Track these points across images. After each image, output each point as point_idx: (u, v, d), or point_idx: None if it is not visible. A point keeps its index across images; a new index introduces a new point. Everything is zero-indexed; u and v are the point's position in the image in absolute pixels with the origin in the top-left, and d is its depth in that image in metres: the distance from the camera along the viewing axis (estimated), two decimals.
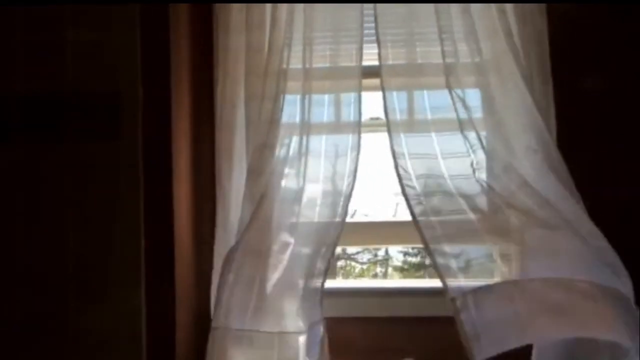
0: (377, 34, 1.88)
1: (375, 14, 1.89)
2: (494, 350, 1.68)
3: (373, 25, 1.92)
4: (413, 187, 1.84)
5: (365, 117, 2.16)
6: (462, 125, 1.82)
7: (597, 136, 1.91)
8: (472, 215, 1.81)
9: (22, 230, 1.84)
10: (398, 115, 1.88)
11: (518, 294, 1.72)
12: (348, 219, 1.95)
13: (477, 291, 1.74)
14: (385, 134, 2.14)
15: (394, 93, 1.88)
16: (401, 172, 1.84)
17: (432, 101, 1.89)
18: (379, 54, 1.88)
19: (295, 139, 1.90)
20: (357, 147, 1.90)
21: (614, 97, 1.91)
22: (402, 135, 1.86)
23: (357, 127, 1.90)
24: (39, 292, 1.82)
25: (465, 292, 1.74)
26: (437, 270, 1.78)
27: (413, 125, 1.89)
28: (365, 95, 1.93)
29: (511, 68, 1.83)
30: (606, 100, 1.91)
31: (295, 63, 1.90)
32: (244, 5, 1.93)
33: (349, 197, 1.87)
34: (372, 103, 2.09)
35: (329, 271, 1.88)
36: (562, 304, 1.69)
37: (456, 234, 1.80)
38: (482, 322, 1.71)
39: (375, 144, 2.24)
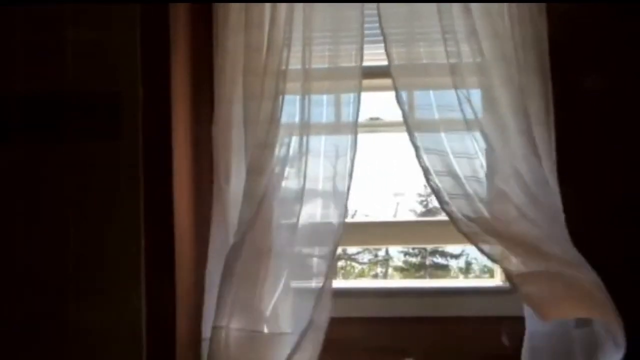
0: (383, 34, 1.87)
1: (379, 14, 1.88)
2: (570, 314, 1.75)
3: (371, 25, 1.92)
4: (436, 184, 1.84)
5: (365, 117, 2.16)
6: (468, 125, 1.83)
7: (597, 136, 1.91)
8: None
9: (22, 230, 1.84)
10: (416, 113, 1.88)
11: (566, 277, 1.75)
12: (349, 220, 1.94)
13: (532, 272, 1.77)
14: (385, 134, 2.16)
15: (403, 92, 1.87)
16: (424, 165, 1.84)
17: (442, 100, 1.88)
18: (388, 53, 1.87)
19: (295, 139, 1.89)
20: (354, 148, 1.89)
21: (614, 97, 1.91)
22: (416, 133, 1.86)
23: (354, 127, 1.89)
24: (39, 292, 1.82)
25: (522, 271, 1.76)
26: (489, 257, 1.81)
27: (432, 124, 1.89)
28: (364, 95, 1.92)
29: (510, 69, 1.83)
30: (606, 100, 1.91)
31: (295, 63, 1.89)
32: (243, 4, 1.93)
33: (348, 197, 1.87)
34: (371, 103, 2.09)
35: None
36: (591, 290, 1.73)
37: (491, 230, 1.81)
38: (548, 291, 1.74)
39: (375, 144, 2.25)
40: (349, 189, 1.87)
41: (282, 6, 1.90)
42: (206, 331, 1.85)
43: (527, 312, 1.82)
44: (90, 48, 1.86)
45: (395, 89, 1.86)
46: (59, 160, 1.85)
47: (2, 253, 1.84)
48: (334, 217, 1.88)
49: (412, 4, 1.90)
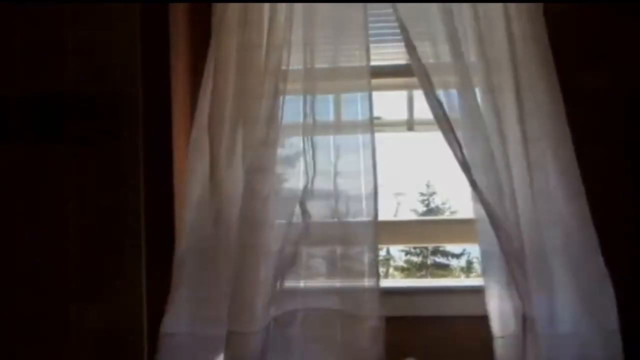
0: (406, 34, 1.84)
1: (398, 15, 1.85)
2: None
3: (373, 25, 1.92)
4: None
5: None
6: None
7: (597, 136, 1.90)
8: None
9: (22, 230, 1.84)
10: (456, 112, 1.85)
11: None
12: (350, 219, 1.94)
13: None
14: (386, 134, 2.16)
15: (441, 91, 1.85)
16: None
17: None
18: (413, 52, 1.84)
19: (299, 139, 1.88)
20: (372, 146, 1.86)
21: (614, 97, 1.90)
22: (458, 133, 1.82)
23: (369, 126, 1.87)
24: (39, 292, 1.82)
25: None
26: None
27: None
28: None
29: (510, 70, 1.83)
30: (607, 100, 1.90)
31: (297, 63, 1.88)
32: (243, 3, 1.91)
33: (368, 196, 1.85)
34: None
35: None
36: None
37: None
38: None
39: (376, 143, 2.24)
40: (376, 188, 1.85)
41: (283, 5, 1.89)
42: (170, 326, 1.82)
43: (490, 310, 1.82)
44: (90, 48, 1.86)
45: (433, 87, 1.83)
46: (59, 160, 1.85)
47: (2, 253, 1.84)
48: (339, 217, 1.87)
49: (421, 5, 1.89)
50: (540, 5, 1.85)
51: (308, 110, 1.87)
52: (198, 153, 1.88)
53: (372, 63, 1.89)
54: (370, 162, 1.85)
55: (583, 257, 1.76)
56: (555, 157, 1.80)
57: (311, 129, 1.87)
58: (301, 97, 1.88)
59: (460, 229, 2.18)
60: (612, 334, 1.73)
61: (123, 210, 1.84)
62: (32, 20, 1.87)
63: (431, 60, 1.86)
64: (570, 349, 1.75)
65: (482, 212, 1.77)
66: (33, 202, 1.84)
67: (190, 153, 1.89)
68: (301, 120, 1.87)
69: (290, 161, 1.92)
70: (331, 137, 1.92)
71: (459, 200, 1.94)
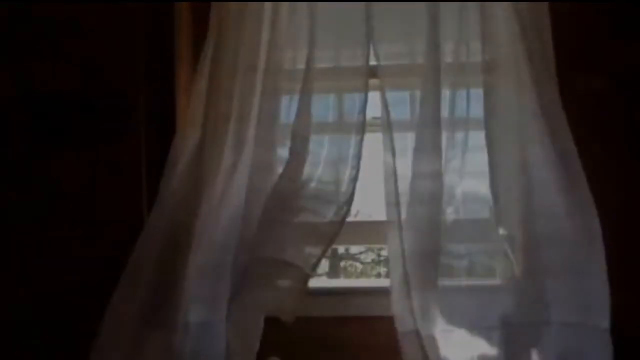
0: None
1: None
2: None
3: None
4: None
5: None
6: None
7: (597, 136, 1.90)
8: None
9: (23, 232, 1.85)
10: None
11: None
12: (351, 219, 1.94)
13: None
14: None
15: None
16: None
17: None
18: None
19: (299, 139, 1.89)
20: (359, 147, 1.88)
21: (615, 97, 1.90)
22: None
23: (362, 127, 1.88)
24: (38, 292, 1.83)
25: None
26: None
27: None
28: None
29: (514, 69, 1.83)
30: (607, 100, 1.90)
31: (299, 62, 1.89)
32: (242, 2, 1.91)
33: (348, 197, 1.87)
34: (373, 102, 2.09)
35: (333, 270, 1.88)
36: None
37: None
38: None
39: (378, 143, 2.24)
40: (353, 189, 1.86)
41: (285, 4, 1.89)
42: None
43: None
44: (91, 48, 1.87)
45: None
46: (60, 161, 1.86)
47: (2, 254, 1.86)
48: (336, 217, 1.87)
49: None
50: (545, 4, 1.85)
51: (309, 110, 1.88)
52: (180, 152, 1.85)
53: (372, 63, 1.90)
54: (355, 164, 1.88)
55: (578, 253, 1.75)
56: (555, 154, 1.79)
57: (309, 129, 1.87)
58: (297, 97, 1.87)
59: None
60: (603, 332, 1.71)
61: (125, 211, 1.85)
62: (32, 20, 1.88)
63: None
64: (558, 345, 1.75)
65: (395, 215, 1.82)
66: (34, 203, 1.86)
67: (173, 149, 1.85)
68: (299, 120, 1.87)
69: (291, 162, 1.92)
70: (326, 137, 1.92)
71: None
